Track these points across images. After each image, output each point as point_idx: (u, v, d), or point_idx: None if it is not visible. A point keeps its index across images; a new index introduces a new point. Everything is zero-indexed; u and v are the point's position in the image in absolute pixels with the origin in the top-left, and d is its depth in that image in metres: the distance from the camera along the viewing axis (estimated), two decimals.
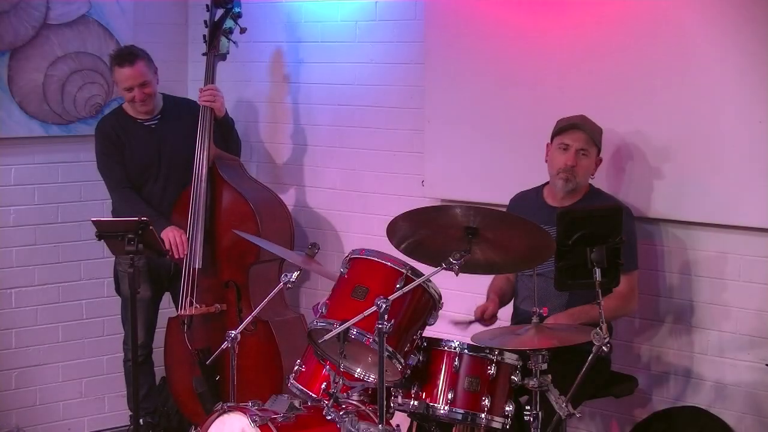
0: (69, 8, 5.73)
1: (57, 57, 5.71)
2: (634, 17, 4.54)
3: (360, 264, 3.95)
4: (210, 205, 5.32)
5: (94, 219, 4.81)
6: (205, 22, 5.43)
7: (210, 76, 5.40)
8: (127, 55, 5.29)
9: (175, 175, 5.40)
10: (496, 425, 3.91)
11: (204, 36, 5.43)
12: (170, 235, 5.22)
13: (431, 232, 3.85)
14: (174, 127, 5.43)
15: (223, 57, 5.45)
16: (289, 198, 5.81)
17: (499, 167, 4.98)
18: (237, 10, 5.42)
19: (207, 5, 5.44)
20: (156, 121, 5.43)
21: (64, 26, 5.72)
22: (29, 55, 5.62)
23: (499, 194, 4.82)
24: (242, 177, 5.51)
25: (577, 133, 4.40)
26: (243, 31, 5.45)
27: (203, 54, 5.45)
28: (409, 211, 3.86)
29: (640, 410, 4.72)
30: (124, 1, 5.90)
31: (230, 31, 5.43)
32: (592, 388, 4.29)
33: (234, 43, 5.46)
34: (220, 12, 5.43)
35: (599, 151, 4.46)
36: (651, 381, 4.70)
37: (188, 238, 5.24)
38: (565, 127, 4.43)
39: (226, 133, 5.47)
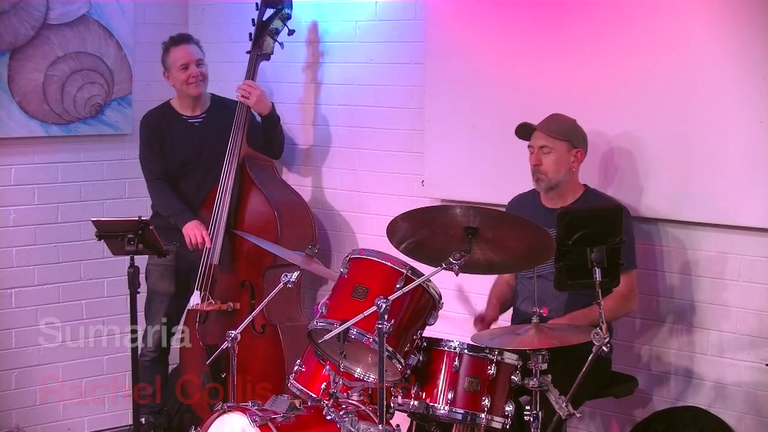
0: (69, 8, 5.73)
1: (57, 57, 5.71)
2: (634, 17, 4.54)
3: (360, 264, 3.95)
4: (235, 204, 5.32)
5: (94, 219, 4.82)
6: (253, 20, 5.42)
7: (251, 75, 5.40)
8: (183, 36, 5.45)
9: (211, 173, 5.40)
10: (496, 425, 3.91)
11: (250, 34, 5.42)
12: (190, 232, 5.26)
13: (431, 232, 3.85)
14: (217, 126, 5.44)
15: (267, 57, 5.44)
16: None
17: (499, 167, 4.97)
18: (287, 11, 5.39)
19: (257, 3, 5.42)
20: (200, 119, 5.47)
21: (64, 26, 5.72)
22: (29, 55, 5.62)
23: (499, 194, 4.82)
24: (271, 179, 5.47)
25: (534, 133, 4.42)
26: (291, 33, 5.43)
27: (247, 52, 5.44)
28: (409, 211, 3.86)
29: (640, 410, 4.71)
30: (124, 1, 5.90)
31: (277, 31, 5.41)
32: (593, 388, 4.29)
33: (280, 44, 5.44)
34: (269, 12, 5.42)
35: (572, 144, 4.40)
36: (651, 381, 4.69)
37: (210, 233, 5.26)
38: (522, 133, 4.46)
39: (269, 130, 5.47)
